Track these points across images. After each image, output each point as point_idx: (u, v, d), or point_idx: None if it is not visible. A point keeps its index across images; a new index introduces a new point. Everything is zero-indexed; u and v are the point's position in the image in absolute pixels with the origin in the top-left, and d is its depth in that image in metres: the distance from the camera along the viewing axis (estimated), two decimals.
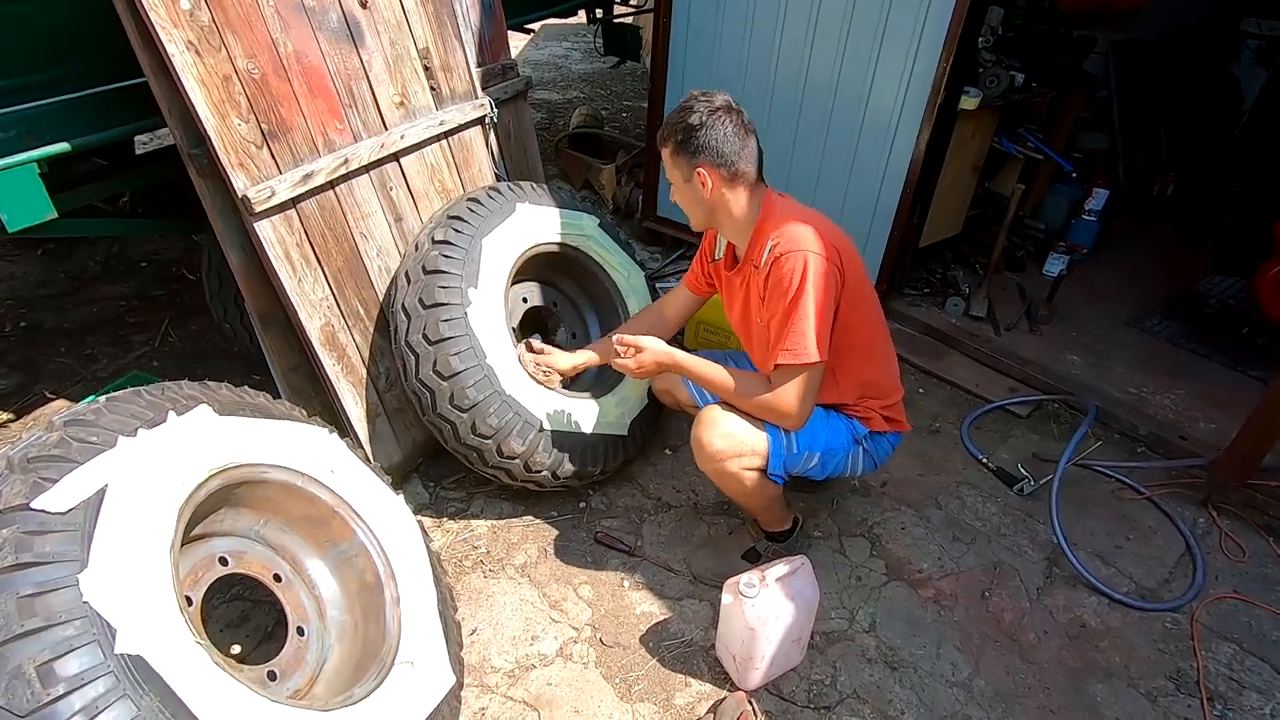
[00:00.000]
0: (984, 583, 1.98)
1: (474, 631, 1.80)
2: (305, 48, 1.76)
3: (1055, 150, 3.37)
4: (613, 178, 3.89)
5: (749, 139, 1.54)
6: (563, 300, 2.28)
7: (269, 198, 1.68)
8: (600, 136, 4.39)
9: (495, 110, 2.29)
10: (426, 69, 2.09)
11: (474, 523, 2.09)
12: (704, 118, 1.49)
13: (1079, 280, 3.34)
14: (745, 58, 2.91)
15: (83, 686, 0.90)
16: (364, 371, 2.01)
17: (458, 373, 1.77)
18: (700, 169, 1.53)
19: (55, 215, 1.86)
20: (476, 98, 2.25)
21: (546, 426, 1.88)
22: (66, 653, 0.90)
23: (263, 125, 1.69)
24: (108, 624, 0.95)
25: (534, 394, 1.89)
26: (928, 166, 2.71)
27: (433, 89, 2.11)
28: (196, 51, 1.54)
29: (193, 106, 1.55)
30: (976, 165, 3.06)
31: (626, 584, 1.94)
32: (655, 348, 1.70)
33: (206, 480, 1.26)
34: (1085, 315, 3.15)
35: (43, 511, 0.98)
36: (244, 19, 1.63)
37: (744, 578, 1.55)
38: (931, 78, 2.52)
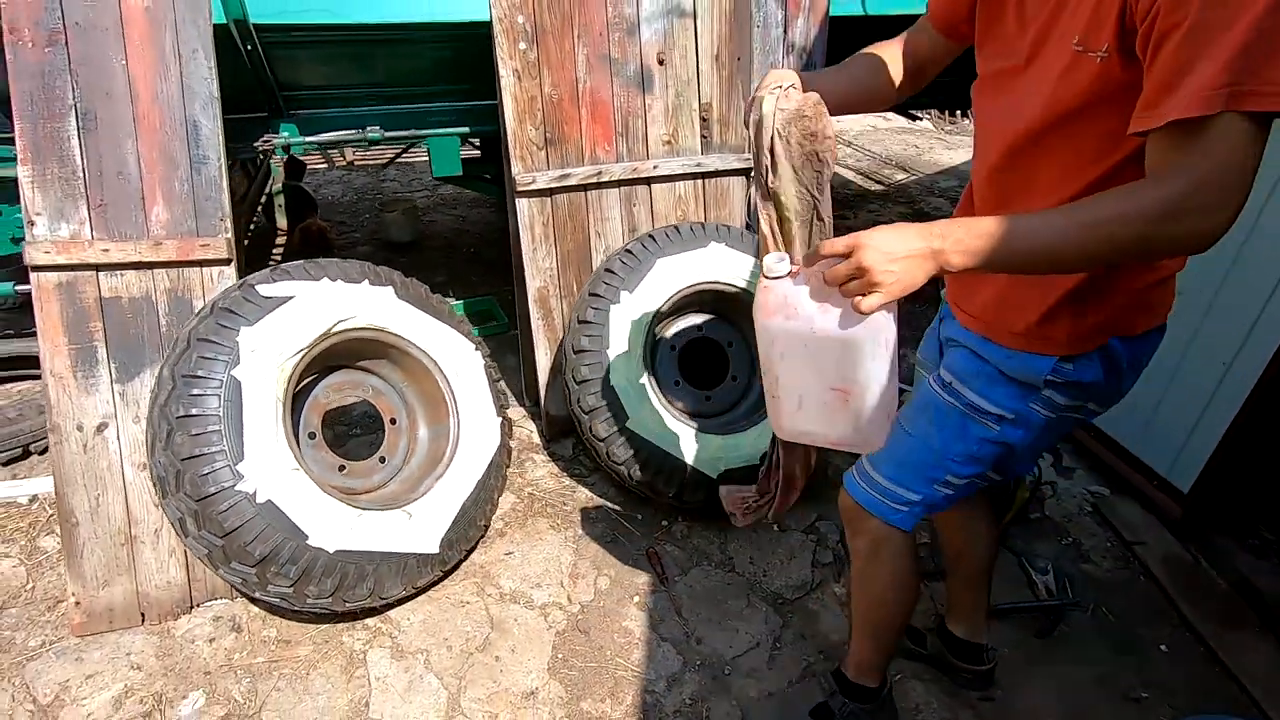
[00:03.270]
0: None
1: (509, 553, 2.16)
2: (600, 86, 2.34)
3: None
4: None
5: None
6: (739, 342, 2.40)
7: (530, 184, 2.31)
8: None
9: None
10: (704, 120, 2.47)
11: (580, 489, 2.42)
12: None
13: None
14: None
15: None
16: (561, 334, 2.52)
17: (582, 350, 2.13)
18: None
19: (460, 173, 2.88)
20: (746, 153, 2.53)
21: (630, 425, 2.09)
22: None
23: (547, 134, 2.32)
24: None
25: (641, 397, 2.12)
26: None
27: (703, 137, 2.48)
28: (519, 77, 2.25)
29: (503, 114, 2.27)
30: None
31: (636, 599, 2.03)
32: (880, 241, 0.92)
33: (363, 329, 1.93)
34: None
35: (255, 291, 1.75)
36: (559, 61, 2.28)
37: (774, 254, 1.08)
38: None
